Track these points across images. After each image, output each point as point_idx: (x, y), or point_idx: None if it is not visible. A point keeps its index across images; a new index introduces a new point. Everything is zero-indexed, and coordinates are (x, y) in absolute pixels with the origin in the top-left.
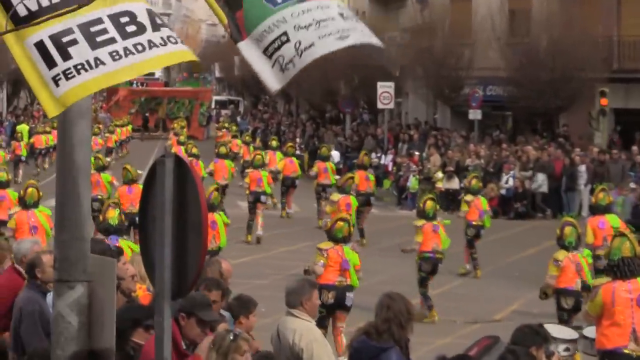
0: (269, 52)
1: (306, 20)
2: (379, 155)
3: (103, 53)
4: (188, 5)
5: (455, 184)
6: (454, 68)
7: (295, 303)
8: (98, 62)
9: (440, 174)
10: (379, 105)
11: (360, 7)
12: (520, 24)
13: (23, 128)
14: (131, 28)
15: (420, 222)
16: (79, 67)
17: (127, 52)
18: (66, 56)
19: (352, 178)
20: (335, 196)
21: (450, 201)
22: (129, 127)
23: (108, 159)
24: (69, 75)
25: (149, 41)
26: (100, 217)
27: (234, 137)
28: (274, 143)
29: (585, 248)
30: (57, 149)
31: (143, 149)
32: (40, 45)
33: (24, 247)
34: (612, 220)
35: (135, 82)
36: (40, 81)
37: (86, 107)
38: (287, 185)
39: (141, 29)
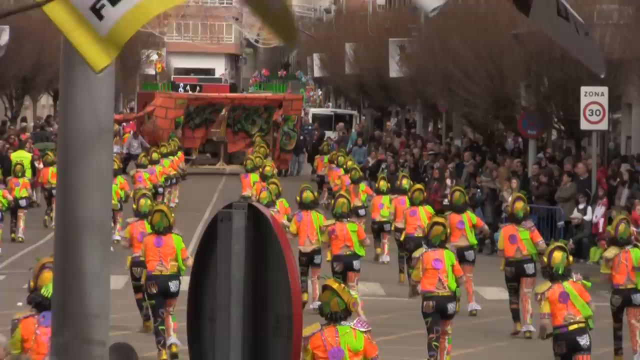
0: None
1: None
2: (582, 206)
3: None
4: None
5: None
6: None
7: None
8: None
9: None
10: (583, 125)
11: None
12: None
13: (21, 156)
14: None
15: (545, 287)
16: None
17: None
18: None
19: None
20: (418, 252)
21: None
22: (179, 156)
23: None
24: None
25: None
26: (31, 284)
27: (347, 172)
28: (405, 183)
29: None
30: (56, 195)
31: (192, 190)
32: None
33: None
34: None
35: (183, 84)
36: (75, 23)
37: (105, 123)
38: (409, 250)
39: None
